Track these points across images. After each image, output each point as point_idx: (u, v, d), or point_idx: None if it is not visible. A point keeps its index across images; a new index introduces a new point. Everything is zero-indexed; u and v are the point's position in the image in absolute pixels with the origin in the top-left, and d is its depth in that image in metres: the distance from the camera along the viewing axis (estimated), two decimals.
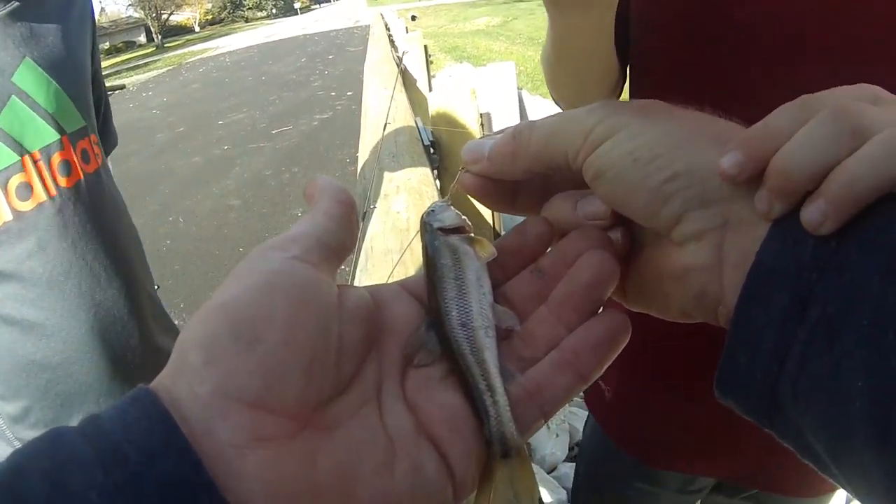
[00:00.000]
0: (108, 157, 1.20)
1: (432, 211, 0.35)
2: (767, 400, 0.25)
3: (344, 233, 0.29)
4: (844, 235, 0.24)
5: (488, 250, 0.33)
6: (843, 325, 0.22)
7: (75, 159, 0.91)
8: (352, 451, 0.25)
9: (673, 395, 0.81)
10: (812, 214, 0.24)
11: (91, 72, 1.04)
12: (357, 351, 0.28)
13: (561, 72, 0.78)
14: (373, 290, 0.32)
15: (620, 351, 0.31)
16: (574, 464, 2.21)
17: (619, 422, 0.91)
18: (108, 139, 1.17)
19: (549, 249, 0.34)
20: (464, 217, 0.35)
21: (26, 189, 0.86)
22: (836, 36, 0.56)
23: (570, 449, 2.28)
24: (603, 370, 0.30)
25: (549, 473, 2.15)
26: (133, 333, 1.02)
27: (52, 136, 0.88)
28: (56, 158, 0.89)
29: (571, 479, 2.10)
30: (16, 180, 0.86)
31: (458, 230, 0.34)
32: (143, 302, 1.06)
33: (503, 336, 0.31)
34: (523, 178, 0.34)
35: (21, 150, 0.85)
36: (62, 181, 0.90)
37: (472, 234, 0.34)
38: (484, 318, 0.31)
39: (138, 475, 0.20)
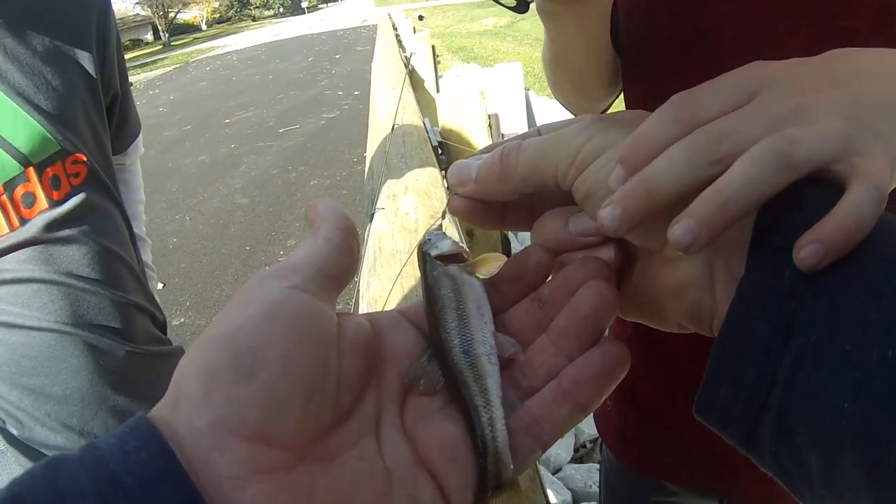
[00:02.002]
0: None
1: (429, 240, 0.35)
2: (749, 428, 0.26)
3: (345, 260, 0.29)
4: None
5: (493, 265, 0.34)
6: (827, 349, 0.23)
7: (39, 192, 0.91)
8: (350, 483, 0.25)
9: (675, 413, 0.80)
10: (681, 233, 0.25)
11: (102, 79, 1.04)
12: (356, 381, 0.28)
13: (560, 73, 0.79)
14: (372, 317, 0.32)
15: (620, 380, 0.31)
16: (579, 465, 2.21)
17: (626, 443, 0.91)
18: (120, 137, 1.17)
19: (550, 278, 0.34)
20: (461, 244, 0.35)
21: None
22: (817, 31, 0.55)
23: (575, 450, 2.28)
24: (602, 400, 0.30)
25: (553, 475, 2.15)
26: (120, 348, 1.02)
27: (15, 169, 0.88)
28: (19, 191, 0.89)
29: (576, 481, 2.11)
30: None
31: (455, 258, 0.34)
32: (133, 317, 1.06)
33: (504, 365, 0.31)
34: (512, 198, 0.34)
35: None
36: (25, 213, 0.90)
37: (470, 260, 0.34)
38: (486, 345, 0.31)
39: None
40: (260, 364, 0.24)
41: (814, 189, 0.26)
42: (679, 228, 0.25)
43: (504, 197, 0.34)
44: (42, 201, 0.92)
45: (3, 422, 0.98)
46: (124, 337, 1.03)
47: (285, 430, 0.24)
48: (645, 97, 0.72)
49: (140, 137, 1.26)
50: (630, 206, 0.27)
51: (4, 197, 0.88)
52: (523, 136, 0.35)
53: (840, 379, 0.22)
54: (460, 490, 0.28)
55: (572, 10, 0.64)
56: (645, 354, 0.78)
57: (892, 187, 0.27)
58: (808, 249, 0.24)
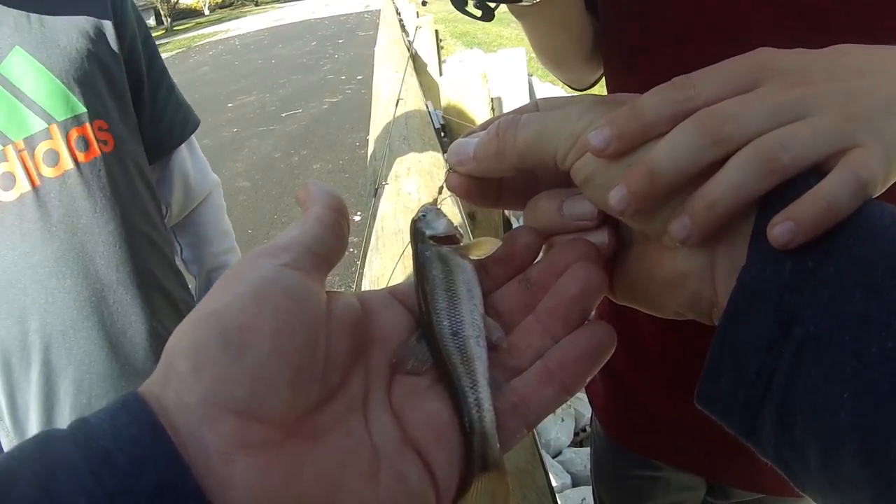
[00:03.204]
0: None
1: (423, 216, 0.35)
2: (750, 419, 0.26)
3: (334, 240, 0.30)
4: (823, 253, 0.24)
5: (487, 248, 0.34)
6: (827, 342, 0.23)
7: (63, 149, 0.90)
8: (337, 461, 0.26)
9: (665, 392, 0.80)
10: (677, 228, 0.27)
11: (122, 51, 1.03)
12: (344, 360, 0.28)
13: (544, 57, 0.86)
14: (362, 297, 0.32)
15: (606, 361, 0.31)
16: (579, 448, 2.22)
17: (613, 417, 0.92)
18: (150, 140, 1.12)
19: (538, 259, 0.34)
20: (455, 225, 0.35)
21: (9, 179, 0.86)
22: (782, 8, 0.54)
23: (576, 434, 2.29)
24: (587, 382, 0.31)
25: (553, 458, 2.16)
26: (139, 328, 1.01)
27: (38, 125, 0.88)
28: (41, 148, 0.88)
29: (576, 464, 2.12)
30: None
31: (449, 239, 0.34)
32: (154, 296, 1.05)
33: (492, 347, 0.31)
34: (509, 175, 0.34)
35: (4, 139, 0.85)
36: (47, 171, 0.89)
37: (464, 242, 0.34)
38: (475, 328, 0.31)
39: (128, 482, 0.21)
40: (248, 342, 0.24)
41: (816, 180, 0.26)
42: (676, 223, 0.27)
43: (501, 173, 0.34)
44: (67, 161, 0.90)
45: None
46: (150, 323, 1.02)
47: (273, 407, 0.24)
48: (618, 76, 0.74)
49: (199, 176, 1.23)
50: (634, 187, 0.28)
51: (25, 153, 0.87)
52: (520, 111, 0.34)
53: (840, 371, 0.22)
54: (447, 469, 0.28)
55: (537, 8, 0.67)
56: (618, 333, 0.77)
57: (890, 181, 0.27)
58: (780, 227, 0.25)
